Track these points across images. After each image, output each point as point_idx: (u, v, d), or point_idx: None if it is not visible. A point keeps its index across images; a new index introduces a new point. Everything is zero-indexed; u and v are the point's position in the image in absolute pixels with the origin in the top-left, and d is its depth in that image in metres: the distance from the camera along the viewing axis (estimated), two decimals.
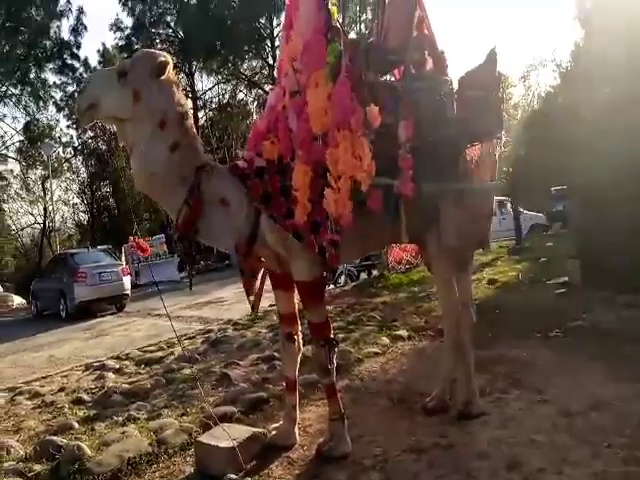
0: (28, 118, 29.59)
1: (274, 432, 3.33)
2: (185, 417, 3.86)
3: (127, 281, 13.31)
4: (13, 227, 34.23)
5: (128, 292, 13.36)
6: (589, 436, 2.91)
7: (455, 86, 3.21)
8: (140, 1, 29.01)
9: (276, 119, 2.91)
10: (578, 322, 5.14)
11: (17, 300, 19.23)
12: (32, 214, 33.55)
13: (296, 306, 3.28)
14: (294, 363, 3.30)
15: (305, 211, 2.73)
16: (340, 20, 2.91)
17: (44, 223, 31.95)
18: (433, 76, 3.20)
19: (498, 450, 2.87)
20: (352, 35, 3.62)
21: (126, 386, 4.80)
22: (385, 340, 5.37)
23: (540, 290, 6.93)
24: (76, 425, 3.96)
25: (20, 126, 29.95)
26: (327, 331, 3.01)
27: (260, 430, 3.29)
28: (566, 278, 7.11)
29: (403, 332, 5.59)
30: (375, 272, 10.24)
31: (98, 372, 5.62)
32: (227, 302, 11.59)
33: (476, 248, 3.77)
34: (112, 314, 13.05)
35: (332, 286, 10.21)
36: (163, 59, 2.72)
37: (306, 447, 3.23)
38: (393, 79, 3.41)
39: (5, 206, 32.19)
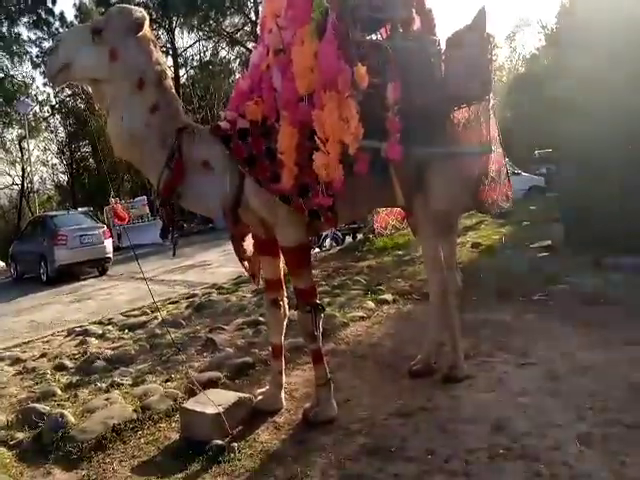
0: (2, 75, 28.37)
1: (260, 397, 3.33)
2: (170, 383, 3.83)
3: (109, 244, 13.08)
4: None
5: (110, 255, 13.14)
6: (574, 399, 2.94)
7: (443, 46, 3.08)
8: None
9: (260, 79, 2.79)
10: (562, 286, 5.19)
11: None
12: (10, 175, 32.68)
13: (281, 272, 3.22)
14: (280, 329, 3.28)
15: (292, 174, 2.64)
16: None
17: (22, 184, 31.16)
18: (421, 36, 3.05)
19: (484, 413, 2.90)
20: None
21: (109, 352, 4.74)
22: (370, 304, 5.37)
23: (523, 254, 6.96)
24: (59, 392, 3.91)
25: None
26: (313, 296, 2.98)
27: (246, 395, 3.28)
28: (549, 242, 7.15)
29: (388, 296, 5.60)
30: (360, 236, 10.20)
31: (80, 337, 5.53)
32: (211, 266, 11.50)
33: (466, 211, 3.71)
34: (94, 277, 12.88)
35: (317, 250, 10.19)
36: (140, 15, 2.57)
37: (292, 412, 3.23)
38: (380, 38, 3.26)
39: None
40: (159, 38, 29.97)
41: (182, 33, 30.74)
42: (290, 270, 3.03)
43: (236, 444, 2.84)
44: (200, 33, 29.96)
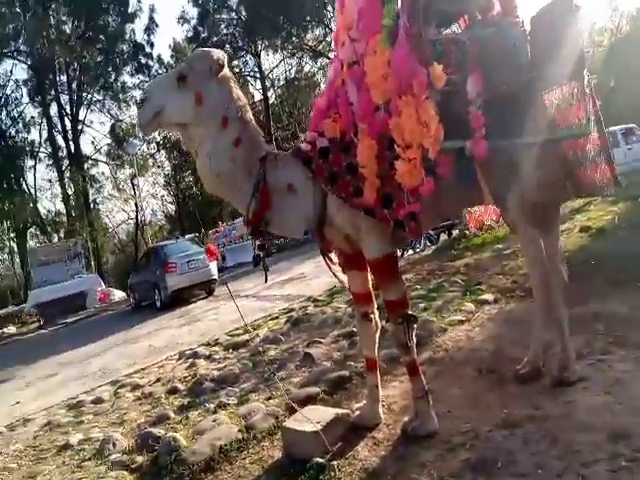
0: (112, 121, 31.42)
1: (358, 412, 3.29)
2: (271, 400, 3.91)
3: (214, 266, 13.83)
4: (110, 225, 36.77)
5: (216, 277, 13.88)
6: None
7: (527, 27, 2.86)
8: None
9: (335, 94, 2.79)
10: None
11: (118, 294, 20.70)
12: (125, 211, 35.87)
13: (370, 285, 3.17)
14: (372, 342, 3.22)
15: (374, 187, 2.61)
16: None
17: (136, 218, 33.99)
18: (502, 20, 2.86)
19: (601, 420, 2.62)
20: None
21: (216, 373, 4.97)
22: (470, 306, 5.12)
23: None
24: (172, 415, 4.16)
25: (107, 129, 31.90)
26: (404, 307, 2.90)
27: (344, 411, 3.26)
28: None
29: (489, 295, 5.30)
30: (456, 232, 9.82)
31: (190, 360, 5.87)
32: (307, 277, 11.70)
33: (565, 200, 3.40)
34: (203, 299, 13.65)
35: (411, 252, 9.97)
36: (220, 56, 2.68)
37: (391, 426, 3.15)
38: (458, 30, 3.12)
39: (101, 207, 34.62)
40: (247, 64, 31.56)
41: (267, 55, 32.08)
42: (379, 282, 2.98)
43: (336, 462, 2.82)
44: (284, 52, 30.96)
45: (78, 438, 4.21)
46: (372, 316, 3.19)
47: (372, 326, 3.19)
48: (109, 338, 10.57)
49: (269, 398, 3.98)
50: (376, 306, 3.22)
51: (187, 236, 16.72)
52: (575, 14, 2.63)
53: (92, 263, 26.18)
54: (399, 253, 10.14)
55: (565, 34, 2.62)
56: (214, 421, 3.69)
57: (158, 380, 5.43)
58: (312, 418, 3.12)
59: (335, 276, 3.20)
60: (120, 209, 35.78)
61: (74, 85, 29.57)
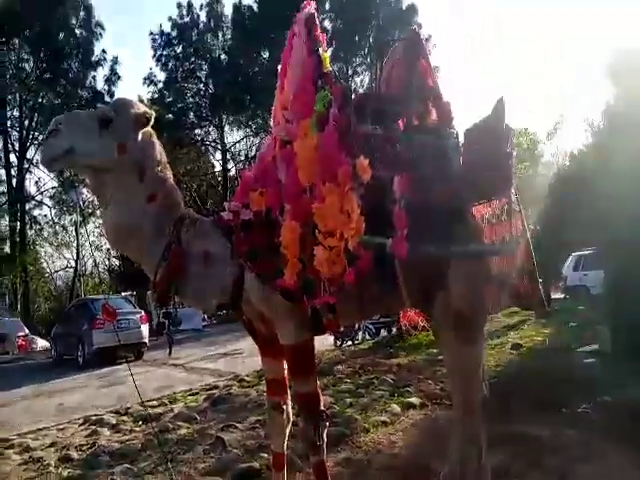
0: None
1: None
2: None
3: (145, 329, 13.18)
4: (47, 270, 34.98)
5: (146, 340, 13.21)
6: None
7: (461, 139, 3.02)
8: (173, 57, 30.22)
9: (265, 169, 2.77)
10: (607, 398, 4.68)
11: (41, 343, 19.39)
12: (65, 257, 34.33)
13: (285, 373, 2.99)
14: (282, 436, 3.01)
15: (295, 270, 2.50)
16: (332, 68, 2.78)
17: (76, 267, 32.55)
18: (437, 128, 3.01)
19: None
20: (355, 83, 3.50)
21: (116, 445, 4.54)
22: (396, 408, 5.00)
23: (568, 358, 6.44)
24: None
25: (53, 173, 30.95)
26: (316, 403, 2.71)
27: None
28: (597, 346, 6.62)
29: (416, 399, 5.20)
30: (394, 330, 9.84)
31: (93, 427, 5.38)
32: (242, 355, 11.30)
33: (495, 311, 3.45)
34: (129, 362, 12.88)
35: (349, 343, 9.87)
36: (149, 110, 2.64)
37: None
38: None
39: (41, 250, 33.02)
40: (209, 134, 32.12)
41: (231, 129, 32.63)
42: (290, 371, 2.83)
43: None
44: (247, 129, 31.72)
45: None
46: (284, 407, 2.99)
47: (283, 419, 2.98)
48: (20, 389, 9.75)
49: None
50: (289, 397, 3.03)
51: (124, 293, 16.05)
52: (507, 133, 2.80)
53: (18, 306, 24.54)
54: (338, 343, 10.05)
55: (496, 151, 2.77)
56: None
57: (53, 444, 4.91)
58: None
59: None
60: (61, 255, 34.34)
61: (26, 122, 29.14)
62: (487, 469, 3.04)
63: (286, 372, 2.99)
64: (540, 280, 3.37)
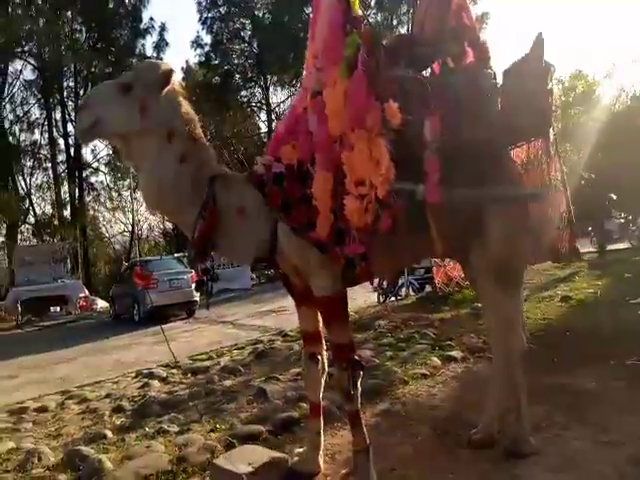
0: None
1: (297, 458, 3.11)
2: (213, 433, 3.72)
3: (194, 288, 13.63)
4: (106, 234, 36.47)
5: (197, 299, 13.68)
6: None
7: (500, 79, 2.84)
8: (218, 19, 30.15)
9: (296, 121, 2.71)
10: None
11: (100, 304, 20.40)
12: (122, 222, 35.63)
13: (319, 324, 3.01)
14: (317, 386, 3.05)
15: (328, 222, 2.49)
16: (363, 11, 2.64)
17: (132, 231, 33.75)
18: (475, 69, 2.84)
19: None
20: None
21: (165, 396, 4.76)
22: (436, 361, 4.97)
23: (621, 311, 6.18)
24: (110, 435, 3.95)
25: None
26: (350, 352, 2.74)
27: (281, 455, 3.07)
28: None
29: (457, 353, 5.16)
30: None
31: (145, 380, 5.67)
32: (288, 312, 11.52)
33: (532, 263, 3.33)
34: (182, 319, 13.42)
35: (392, 298, 9.85)
36: (168, 68, 2.59)
37: (330, 477, 2.98)
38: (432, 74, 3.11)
39: (99, 215, 34.41)
40: (254, 95, 32.03)
41: (276, 89, 32.50)
42: (325, 322, 2.84)
43: None
44: (292, 89, 31.46)
45: (8, 446, 3.97)
46: (319, 357, 3.03)
47: (318, 369, 3.02)
48: (81, 346, 10.32)
49: (212, 430, 3.78)
50: (325, 348, 3.07)
51: (176, 254, 16.55)
52: (546, 72, 2.61)
53: (79, 269, 25.80)
54: (382, 299, 10.06)
55: (535, 89, 2.60)
56: (148, 447, 3.49)
57: (108, 396, 5.21)
58: (247, 458, 2.94)
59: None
60: (118, 220, 35.63)
61: (81, 92, 29.86)
62: (526, 421, 3.00)
63: (321, 324, 3.01)
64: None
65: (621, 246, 13.82)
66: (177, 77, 2.68)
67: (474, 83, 2.75)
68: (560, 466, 2.78)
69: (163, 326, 12.09)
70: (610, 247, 12.85)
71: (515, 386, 3.02)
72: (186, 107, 2.69)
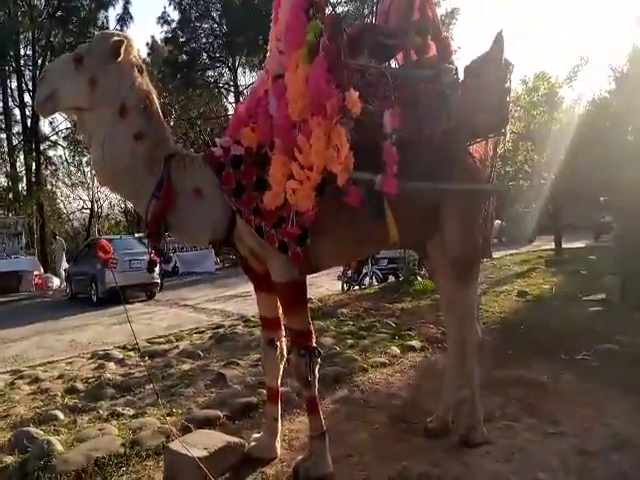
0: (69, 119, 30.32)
1: (253, 443, 3.09)
2: (169, 417, 3.66)
3: (156, 270, 13.35)
4: (64, 211, 35.25)
5: (157, 281, 13.42)
6: None
7: (461, 75, 2.85)
8: None
9: (257, 104, 2.66)
10: (610, 345, 4.66)
11: (56, 282, 19.75)
12: (82, 199, 34.48)
13: (279, 310, 3.00)
14: (276, 371, 3.06)
15: (277, 201, 2.47)
16: None
17: (92, 208, 32.75)
18: (438, 64, 2.84)
19: None
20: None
21: (121, 379, 4.66)
22: (396, 350, 5.04)
23: (574, 306, 6.41)
24: (61, 416, 3.84)
25: None
26: (308, 339, 2.73)
27: (236, 440, 3.06)
28: (604, 295, 6.56)
29: (416, 342, 5.25)
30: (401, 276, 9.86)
31: (100, 361, 5.52)
32: (251, 297, 11.45)
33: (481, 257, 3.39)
34: (142, 302, 13.16)
35: (356, 287, 9.93)
36: (116, 39, 2.49)
37: (285, 463, 2.98)
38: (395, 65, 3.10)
39: (57, 191, 33.17)
40: (222, 76, 31.34)
41: (244, 71, 31.80)
42: (283, 308, 2.83)
43: None
44: (261, 71, 30.97)
45: None
46: (278, 344, 3.02)
47: (277, 354, 3.02)
48: (35, 325, 9.97)
49: (168, 415, 3.72)
50: (284, 334, 3.06)
51: (137, 235, 16.17)
52: (505, 70, 2.64)
53: (35, 246, 24.90)
54: (345, 288, 10.13)
55: (494, 86, 2.63)
56: (100, 430, 3.41)
57: (60, 377, 5.06)
58: (202, 443, 2.91)
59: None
60: (77, 197, 34.48)
61: (39, 61, 28.59)
62: (479, 411, 3.08)
63: (279, 310, 2.99)
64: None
65: (578, 244, 14.35)
66: (135, 50, 2.60)
67: (436, 77, 2.76)
68: (509, 455, 2.87)
69: (120, 307, 11.99)
70: (566, 245, 13.29)
71: (470, 376, 3.09)
72: (142, 81, 2.60)
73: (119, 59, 2.50)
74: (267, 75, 2.69)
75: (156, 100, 2.68)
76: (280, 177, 2.42)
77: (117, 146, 2.51)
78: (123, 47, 2.48)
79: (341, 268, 10.77)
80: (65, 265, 18.45)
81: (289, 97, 2.41)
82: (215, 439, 3.02)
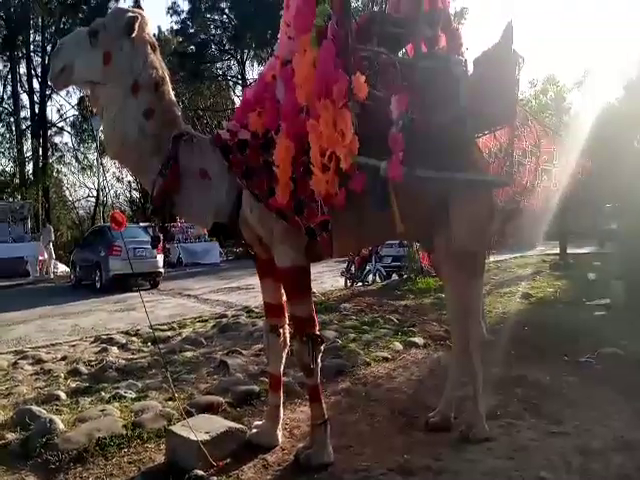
0: (82, 93, 30.28)
1: (255, 430, 3.10)
2: (171, 402, 3.67)
3: (161, 259, 13.38)
4: (70, 198, 35.33)
5: (161, 270, 13.44)
6: None
7: (470, 67, 2.83)
8: None
9: (264, 88, 2.67)
10: (613, 349, 4.64)
11: (61, 268, 19.81)
12: (87, 187, 34.54)
13: (282, 297, 3.00)
14: (279, 359, 3.05)
15: (287, 190, 2.47)
16: None
17: (97, 197, 32.80)
18: (447, 56, 2.83)
19: None
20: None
21: (124, 362, 4.68)
22: (398, 345, 5.05)
23: (578, 310, 6.39)
24: (63, 396, 3.86)
25: (75, 100, 30.64)
26: (311, 327, 2.74)
27: (238, 426, 3.07)
28: (608, 300, 6.54)
29: (419, 339, 5.25)
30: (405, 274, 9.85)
31: (103, 345, 5.55)
32: (254, 289, 11.47)
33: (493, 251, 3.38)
34: (145, 290, 13.18)
35: (359, 284, 9.93)
36: (131, 14, 2.51)
37: (287, 450, 2.99)
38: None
39: (63, 178, 33.23)
40: (230, 68, 31.22)
41: (252, 65, 31.77)
42: (287, 295, 2.83)
43: (215, 478, 2.62)
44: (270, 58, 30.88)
45: None
46: (281, 331, 3.02)
47: (280, 341, 3.02)
48: (38, 309, 10.01)
49: (169, 399, 3.74)
50: (287, 321, 3.05)
51: (142, 224, 16.21)
52: (513, 59, 2.62)
53: (40, 230, 24.96)
54: (349, 284, 10.12)
55: (502, 79, 2.61)
56: (102, 411, 3.42)
57: (64, 358, 5.09)
58: (204, 427, 2.92)
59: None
60: (83, 185, 34.54)
61: (49, 48, 28.59)
62: (482, 408, 3.07)
63: (283, 296, 2.99)
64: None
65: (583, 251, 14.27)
66: (148, 27, 2.63)
67: (445, 68, 2.74)
68: (511, 453, 2.86)
69: (124, 295, 12.06)
70: (571, 251, 13.24)
71: (473, 374, 3.08)
72: (154, 59, 2.62)
73: (133, 34, 2.51)
74: (276, 61, 2.70)
75: (168, 79, 2.70)
76: (284, 162, 2.43)
77: (127, 121, 2.54)
78: (137, 23, 2.50)
79: (344, 265, 10.79)
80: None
81: (297, 81, 2.42)
82: (217, 424, 3.03)
